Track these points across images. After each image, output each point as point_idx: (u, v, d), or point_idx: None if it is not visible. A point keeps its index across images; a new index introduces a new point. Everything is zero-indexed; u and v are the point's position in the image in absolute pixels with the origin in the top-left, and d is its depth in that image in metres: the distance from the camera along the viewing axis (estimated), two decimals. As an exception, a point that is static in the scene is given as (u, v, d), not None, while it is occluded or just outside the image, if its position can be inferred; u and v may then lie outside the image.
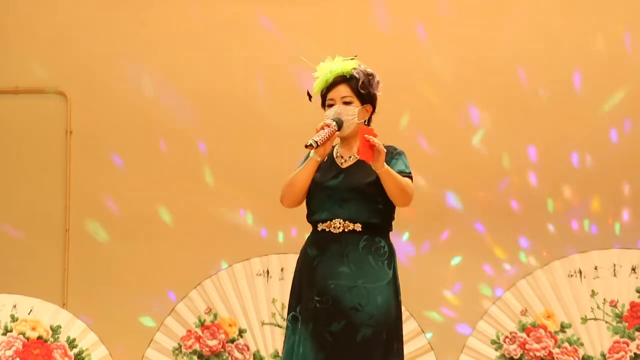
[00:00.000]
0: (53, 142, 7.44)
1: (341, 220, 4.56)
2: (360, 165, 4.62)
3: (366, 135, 4.39)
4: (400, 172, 4.58)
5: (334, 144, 4.68)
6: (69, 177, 7.43)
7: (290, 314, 4.63)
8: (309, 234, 4.72)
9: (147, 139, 7.38)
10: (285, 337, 4.66)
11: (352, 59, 4.70)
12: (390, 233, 4.69)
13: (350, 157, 4.67)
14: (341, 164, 4.68)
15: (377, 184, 4.56)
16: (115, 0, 7.52)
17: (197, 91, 7.37)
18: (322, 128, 4.50)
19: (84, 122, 7.42)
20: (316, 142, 4.47)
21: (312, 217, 4.65)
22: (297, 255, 6.05)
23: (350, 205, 4.57)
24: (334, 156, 4.71)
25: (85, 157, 7.42)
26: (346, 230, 4.56)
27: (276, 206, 6.66)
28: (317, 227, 4.62)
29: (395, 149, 4.68)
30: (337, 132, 4.58)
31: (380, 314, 4.50)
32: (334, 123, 4.55)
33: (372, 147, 4.39)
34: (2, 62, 7.56)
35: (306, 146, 4.50)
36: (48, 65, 7.50)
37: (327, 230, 4.57)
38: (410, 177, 4.64)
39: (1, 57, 7.57)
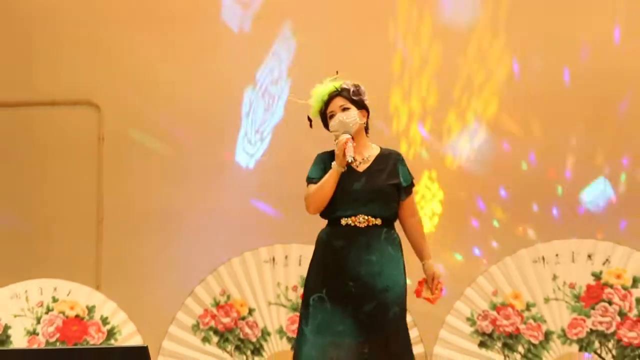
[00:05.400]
0: (87, 147, 7.49)
1: (365, 216, 4.57)
2: (376, 168, 4.67)
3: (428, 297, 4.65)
4: (408, 185, 4.67)
5: None
6: (101, 178, 7.47)
7: (316, 295, 4.59)
8: (325, 228, 4.70)
9: (170, 143, 7.41)
10: (306, 315, 4.61)
11: (335, 78, 4.74)
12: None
13: (363, 158, 4.69)
14: (357, 167, 4.67)
15: (394, 185, 4.65)
16: (140, 25, 7.48)
17: (212, 103, 7.35)
18: (346, 143, 4.52)
19: (114, 130, 7.49)
20: (352, 157, 4.51)
21: (336, 214, 4.62)
22: (298, 246, 6.32)
23: (374, 204, 4.59)
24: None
25: (115, 160, 7.47)
26: (370, 224, 4.57)
27: (281, 202, 6.88)
28: (340, 221, 4.60)
29: (398, 154, 4.76)
30: (354, 143, 4.60)
31: (403, 294, 4.57)
32: (350, 137, 4.57)
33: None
34: (41, 78, 7.58)
35: (349, 162, 4.51)
36: (82, 80, 7.52)
37: (353, 224, 4.58)
38: (413, 183, 4.74)
39: (41, 73, 7.58)
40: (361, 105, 4.71)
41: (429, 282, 4.64)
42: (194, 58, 7.47)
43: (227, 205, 7.34)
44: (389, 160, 4.70)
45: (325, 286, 4.57)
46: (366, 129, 4.78)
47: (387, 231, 4.63)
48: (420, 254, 4.72)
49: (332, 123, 4.66)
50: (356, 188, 4.60)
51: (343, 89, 4.69)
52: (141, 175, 7.46)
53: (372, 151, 4.73)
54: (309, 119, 4.76)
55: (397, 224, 4.77)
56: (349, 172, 4.63)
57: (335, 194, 4.61)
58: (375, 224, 4.59)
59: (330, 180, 4.59)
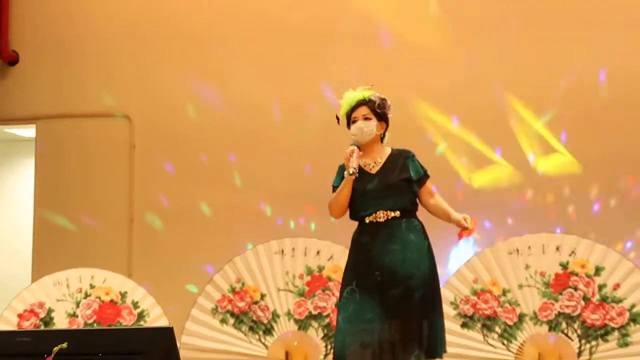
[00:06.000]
0: (120, 154, 7.63)
1: (383, 211, 4.67)
2: (387, 168, 4.78)
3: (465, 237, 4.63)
4: (420, 177, 4.76)
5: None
6: (132, 180, 7.60)
7: (349, 288, 4.69)
8: (356, 228, 4.78)
9: (192, 151, 7.53)
10: (340, 306, 4.71)
11: (369, 88, 4.87)
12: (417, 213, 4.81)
13: (375, 162, 4.80)
14: (370, 170, 4.79)
15: (405, 179, 4.73)
16: (166, 47, 7.64)
17: (228, 115, 7.46)
18: (351, 155, 4.62)
19: (145, 139, 7.63)
20: (355, 168, 4.62)
21: (359, 214, 4.74)
22: (304, 239, 6.33)
23: (389, 199, 4.69)
24: (362, 165, 4.79)
25: (145, 166, 7.60)
26: (389, 217, 4.67)
27: (288, 201, 6.97)
28: (364, 220, 4.71)
29: (408, 152, 4.85)
30: (360, 152, 4.70)
31: (425, 279, 4.64)
32: (356, 147, 4.67)
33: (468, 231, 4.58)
34: (82, 93, 7.73)
35: (350, 174, 4.60)
36: (117, 96, 7.68)
37: (375, 221, 4.68)
38: (427, 175, 4.79)
39: (81, 89, 7.73)
40: (382, 118, 4.81)
41: (463, 224, 4.59)
42: (211, 75, 7.54)
43: (242, 205, 7.37)
44: (399, 159, 4.79)
45: (356, 279, 4.66)
46: (382, 137, 4.88)
47: (407, 220, 4.69)
48: (448, 217, 4.70)
49: (353, 128, 4.77)
50: (370, 188, 4.71)
51: (370, 100, 4.78)
52: (167, 178, 7.50)
53: (384, 153, 4.82)
54: (337, 118, 4.85)
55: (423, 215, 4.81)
56: (364, 176, 4.74)
57: (355, 197, 4.71)
58: (395, 216, 4.66)
59: (344, 188, 4.70)
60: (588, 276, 6.28)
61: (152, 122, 7.64)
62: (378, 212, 4.68)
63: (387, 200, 4.68)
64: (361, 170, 4.73)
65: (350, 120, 4.82)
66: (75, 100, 7.73)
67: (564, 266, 6.32)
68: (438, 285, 4.73)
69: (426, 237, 4.75)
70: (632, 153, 6.99)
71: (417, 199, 4.81)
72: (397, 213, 4.68)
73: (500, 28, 7.09)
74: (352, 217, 4.79)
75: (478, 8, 7.19)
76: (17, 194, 8.82)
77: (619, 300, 6.23)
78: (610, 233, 6.76)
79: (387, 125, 4.87)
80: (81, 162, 7.73)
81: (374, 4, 7.23)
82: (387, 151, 4.85)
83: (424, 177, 4.77)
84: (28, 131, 8.26)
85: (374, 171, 4.77)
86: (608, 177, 7.01)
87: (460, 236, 4.66)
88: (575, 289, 6.27)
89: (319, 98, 6.57)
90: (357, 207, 4.74)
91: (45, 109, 7.74)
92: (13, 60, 7.87)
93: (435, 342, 4.61)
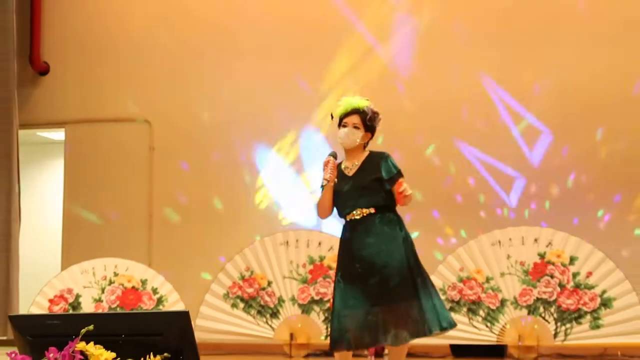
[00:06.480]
0: (141, 155, 7.82)
1: (359, 209, 4.72)
2: (362, 170, 4.81)
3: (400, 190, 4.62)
4: (391, 175, 4.75)
5: (339, 161, 4.85)
6: (152, 179, 7.77)
7: (336, 279, 4.79)
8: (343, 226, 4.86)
9: (205, 152, 7.68)
10: (333, 295, 4.82)
11: (366, 99, 4.88)
12: (397, 207, 4.81)
13: (352, 165, 4.84)
14: (348, 173, 4.83)
15: (377, 179, 4.75)
16: (183, 59, 7.79)
17: (238, 120, 7.65)
18: (326, 165, 4.75)
19: (163, 141, 7.81)
20: (327, 179, 4.74)
21: (342, 213, 4.82)
22: (307, 231, 6.50)
23: (363, 198, 4.74)
24: (342, 168, 4.85)
25: (163, 166, 7.77)
26: (365, 214, 4.72)
27: (293, 199, 7.02)
28: (346, 218, 4.79)
29: (382, 153, 4.88)
30: (337, 162, 4.79)
31: (401, 266, 4.65)
32: (332, 158, 4.78)
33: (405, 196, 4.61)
34: (106, 100, 7.94)
35: (323, 186, 4.73)
36: (138, 102, 7.88)
37: (353, 218, 4.75)
38: (400, 174, 4.77)
39: (106, 97, 7.94)
40: (369, 129, 4.83)
41: (400, 190, 4.61)
42: (224, 83, 7.71)
43: (251, 201, 7.52)
44: (374, 160, 4.80)
45: (341, 271, 4.75)
46: (366, 144, 4.90)
47: (382, 215, 4.72)
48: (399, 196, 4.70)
49: (340, 132, 4.82)
50: (346, 190, 4.77)
51: (363, 111, 4.79)
52: (183, 177, 7.67)
53: (361, 156, 4.85)
54: (332, 116, 4.89)
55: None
56: (343, 179, 4.81)
57: (336, 198, 4.78)
58: (370, 213, 4.70)
59: (324, 193, 4.80)
60: (563, 265, 6.46)
61: (170, 126, 7.82)
62: (355, 210, 4.74)
63: (361, 200, 4.74)
64: (341, 173, 4.84)
65: (341, 123, 4.87)
66: (101, 106, 7.94)
67: (542, 256, 6.51)
68: (419, 270, 4.73)
69: (402, 229, 4.78)
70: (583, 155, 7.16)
71: (393, 195, 4.80)
72: (372, 210, 4.72)
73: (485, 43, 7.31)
74: (339, 215, 4.89)
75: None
76: (48, 192, 8.97)
77: (591, 287, 6.44)
78: (566, 226, 6.91)
79: (372, 136, 4.90)
80: (106, 163, 7.91)
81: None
82: (365, 153, 4.88)
83: (395, 175, 4.78)
84: (58, 134, 8.46)
85: (350, 174, 4.82)
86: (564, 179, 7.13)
87: (399, 201, 4.71)
88: (552, 276, 6.45)
89: (322, 102, 6.81)
90: (339, 207, 4.84)
91: (73, 114, 7.99)
92: (44, 71, 8.16)
93: (423, 321, 4.64)
